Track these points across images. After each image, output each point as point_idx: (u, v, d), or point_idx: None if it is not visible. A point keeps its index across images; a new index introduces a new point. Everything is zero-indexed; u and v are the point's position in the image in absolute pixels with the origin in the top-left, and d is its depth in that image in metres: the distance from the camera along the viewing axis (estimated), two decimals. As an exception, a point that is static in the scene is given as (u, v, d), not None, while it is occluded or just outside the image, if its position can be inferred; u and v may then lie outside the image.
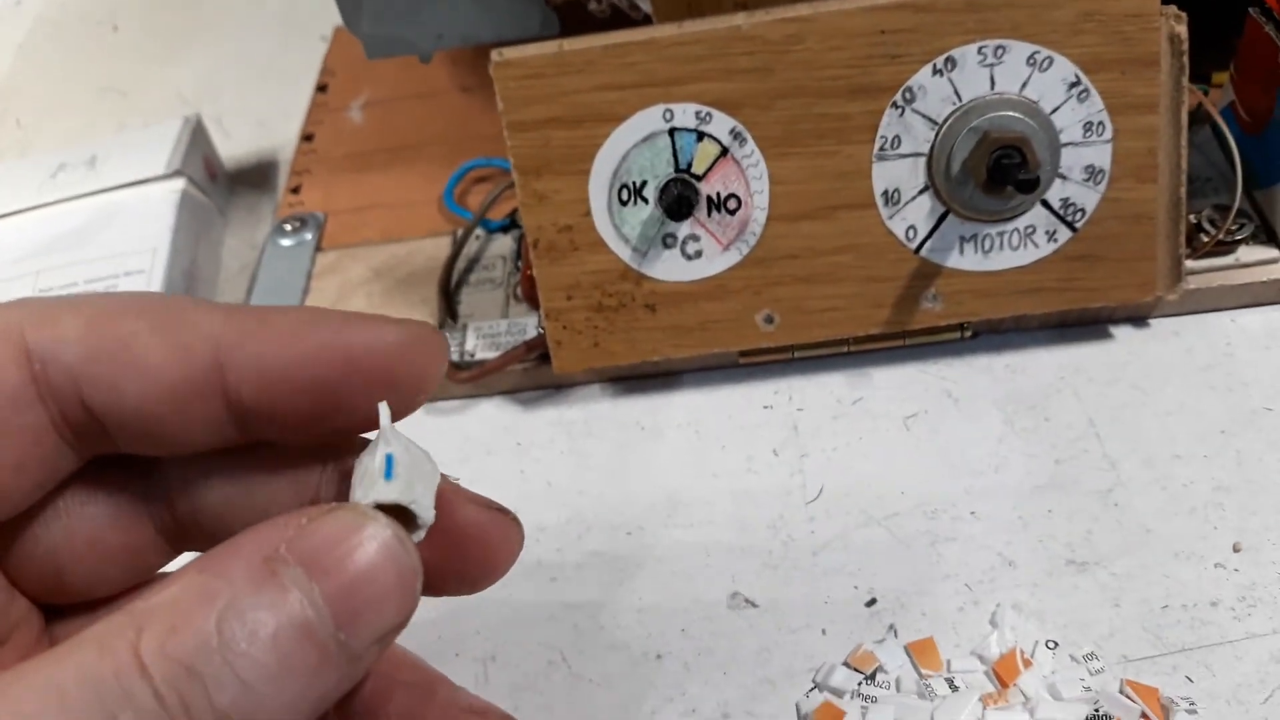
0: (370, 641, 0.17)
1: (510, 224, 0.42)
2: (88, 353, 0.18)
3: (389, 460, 0.19)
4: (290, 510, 0.18)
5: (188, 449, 0.20)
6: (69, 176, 0.46)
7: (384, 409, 0.19)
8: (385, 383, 0.19)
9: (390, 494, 0.18)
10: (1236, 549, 0.31)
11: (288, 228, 0.44)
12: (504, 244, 0.42)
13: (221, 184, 0.49)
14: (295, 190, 0.47)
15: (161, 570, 0.22)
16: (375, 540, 0.17)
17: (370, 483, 0.19)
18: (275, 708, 0.16)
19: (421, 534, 0.19)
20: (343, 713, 0.21)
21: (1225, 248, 0.36)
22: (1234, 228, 0.36)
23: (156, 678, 0.15)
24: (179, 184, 0.45)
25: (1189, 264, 0.36)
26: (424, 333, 0.20)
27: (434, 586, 0.20)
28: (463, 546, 0.21)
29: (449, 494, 0.20)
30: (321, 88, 0.52)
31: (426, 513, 0.19)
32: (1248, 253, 0.36)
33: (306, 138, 0.49)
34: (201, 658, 0.16)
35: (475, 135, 0.47)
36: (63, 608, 0.21)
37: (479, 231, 0.42)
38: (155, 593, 0.16)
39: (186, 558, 0.21)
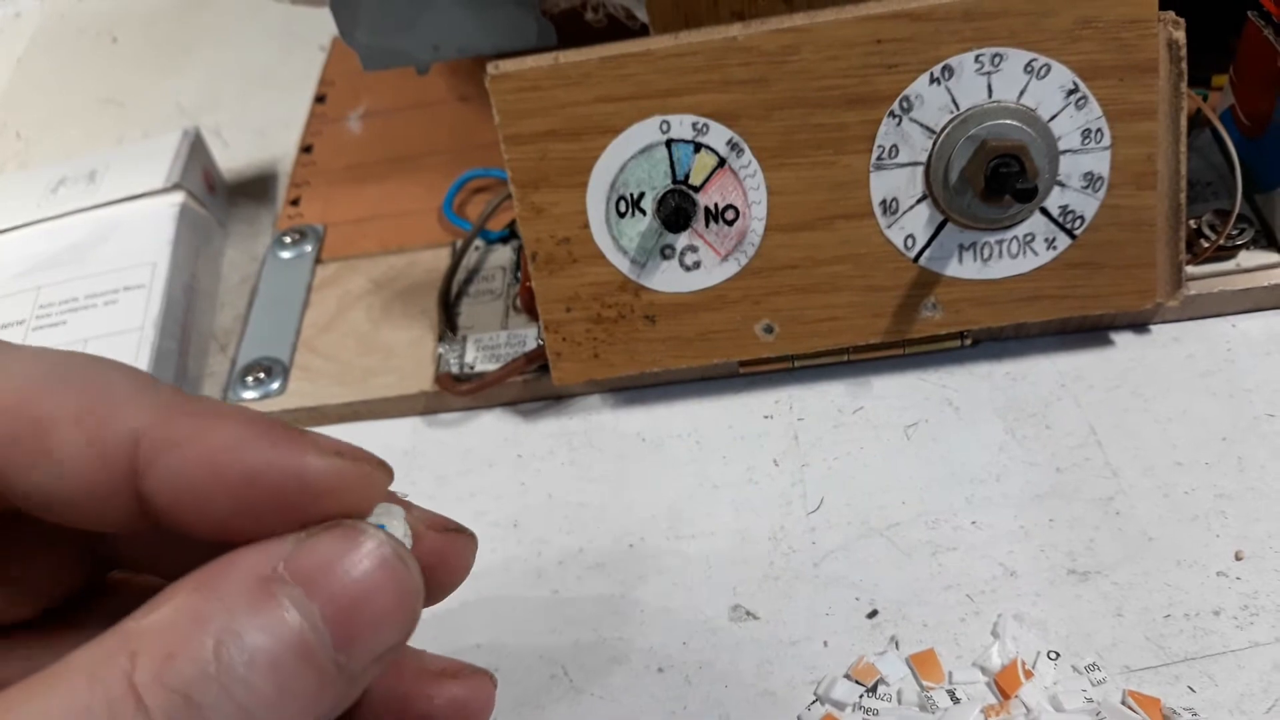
0: (369, 661, 0.17)
1: (510, 234, 0.42)
2: (2, 433, 0.17)
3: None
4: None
5: (104, 529, 0.18)
6: (69, 191, 0.46)
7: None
8: (304, 515, 0.18)
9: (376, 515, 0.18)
10: (1239, 557, 0.31)
11: (287, 240, 0.44)
12: (503, 254, 0.42)
13: (221, 196, 0.49)
14: (294, 202, 0.47)
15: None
16: (374, 556, 0.17)
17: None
18: None
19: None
20: None
21: (1226, 253, 0.36)
22: (1234, 232, 0.36)
23: (153, 708, 0.15)
24: (178, 197, 0.45)
25: (1190, 269, 0.36)
26: (355, 472, 0.18)
27: None
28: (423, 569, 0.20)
29: (411, 522, 0.20)
30: (320, 98, 0.52)
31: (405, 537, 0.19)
32: (1249, 257, 0.36)
33: (305, 149, 0.49)
34: (199, 686, 0.15)
35: (474, 145, 0.47)
36: None
37: (478, 242, 0.42)
38: (146, 613, 0.16)
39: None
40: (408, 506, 0.20)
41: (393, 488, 0.20)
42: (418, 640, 0.20)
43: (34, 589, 0.20)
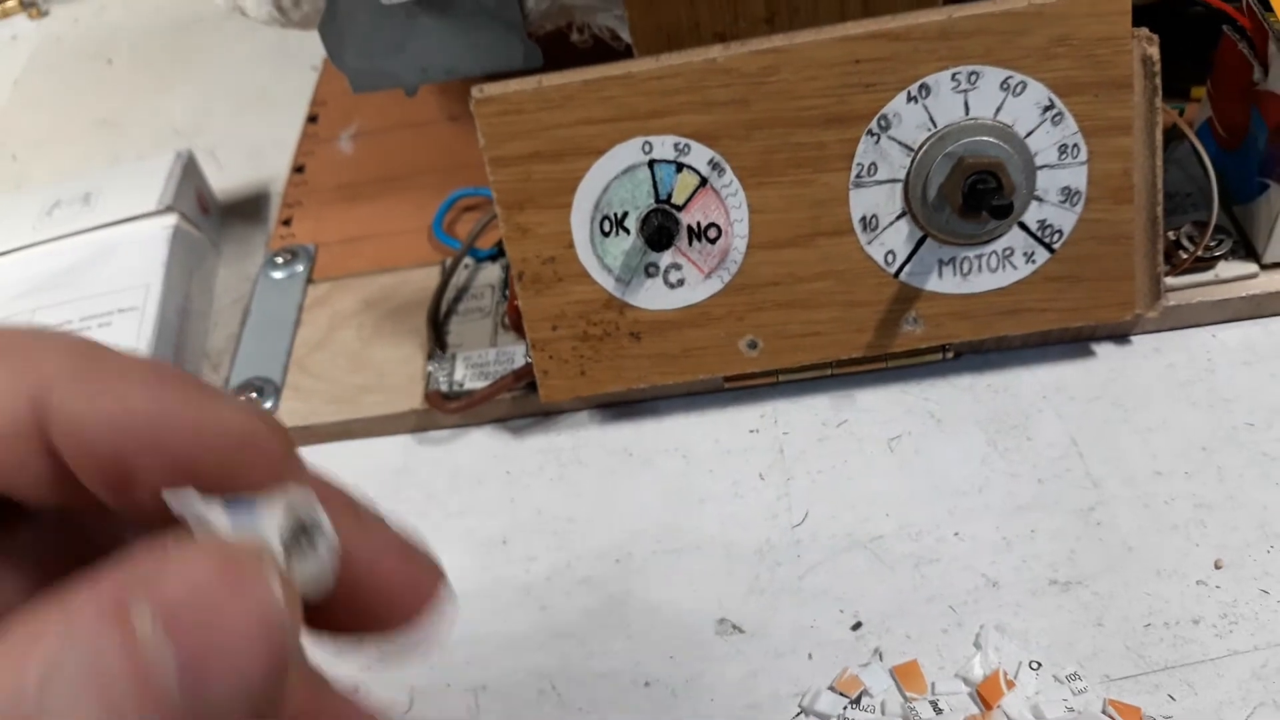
0: (231, 700, 0.15)
1: (498, 253, 0.43)
2: None
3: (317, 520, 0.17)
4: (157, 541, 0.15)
5: (25, 494, 0.17)
6: (64, 213, 0.47)
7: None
8: (182, 469, 0.17)
9: (257, 524, 0.16)
10: (1218, 566, 0.31)
11: (279, 260, 0.45)
12: (492, 272, 0.42)
13: (214, 217, 0.50)
14: (286, 222, 0.47)
15: None
16: (229, 573, 0.15)
17: (199, 520, 0.16)
18: None
19: (323, 580, 0.17)
20: None
21: (1204, 264, 0.37)
22: (1212, 244, 0.36)
23: None
24: (171, 219, 0.45)
25: (1169, 281, 0.36)
26: (246, 427, 0.17)
27: (333, 626, 0.18)
28: (367, 596, 0.18)
29: (346, 535, 0.18)
30: (312, 118, 0.53)
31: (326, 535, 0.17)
32: (1227, 268, 0.37)
33: (297, 169, 0.50)
34: (11, 714, 0.13)
35: (464, 164, 0.47)
36: None
37: (468, 260, 0.43)
38: None
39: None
40: (347, 502, 0.18)
41: (385, 505, 0.19)
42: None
43: None
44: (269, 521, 0.16)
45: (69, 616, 0.14)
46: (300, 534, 0.16)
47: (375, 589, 0.18)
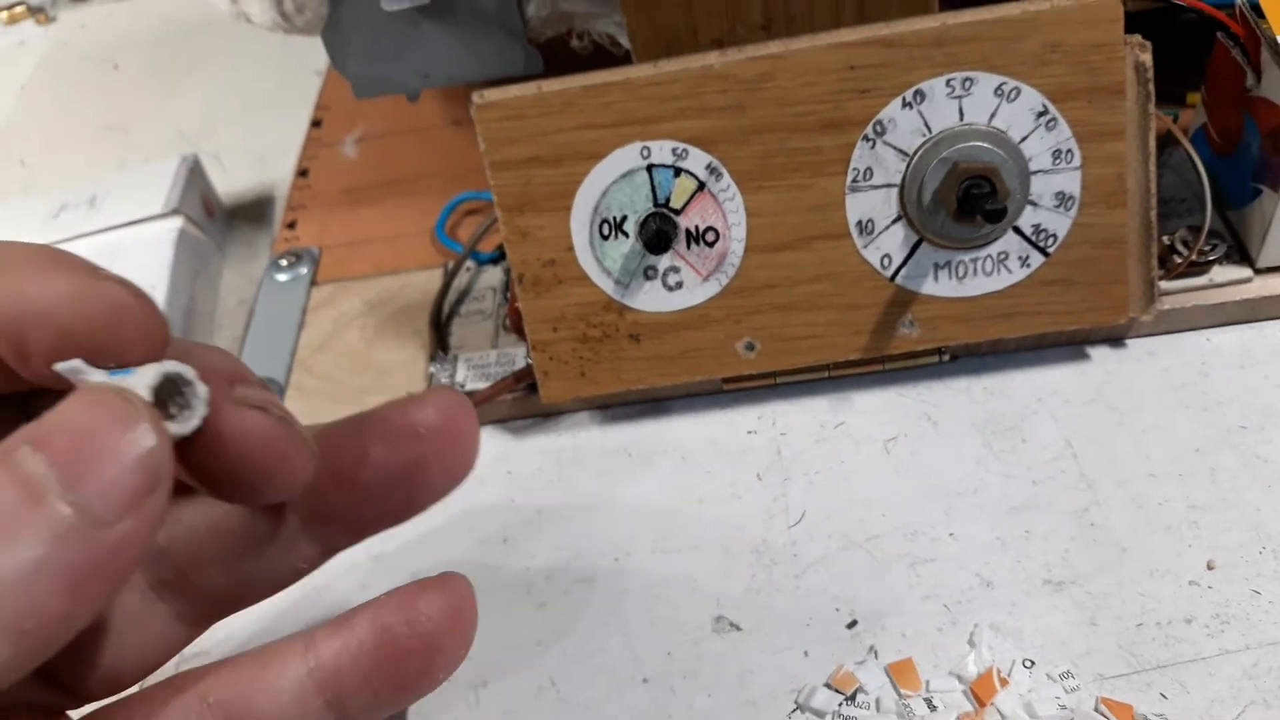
0: (117, 508, 0.17)
1: (500, 256, 0.43)
2: None
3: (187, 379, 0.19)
4: None
5: None
6: (70, 216, 0.47)
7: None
8: (76, 340, 0.18)
9: (128, 380, 0.19)
10: (1211, 567, 0.32)
11: (283, 263, 0.45)
12: (494, 275, 0.43)
13: (219, 220, 0.51)
14: (291, 225, 0.48)
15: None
16: (90, 401, 0.17)
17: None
18: (12, 577, 0.16)
19: (191, 420, 0.19)
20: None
21: (1199, 268, 0.37)
22: (1207, 248, 0.37)
23: None
24: (176, 222, 0.46)
25: (1163, 285, 0.36)
26: (120, 299, 0.19)
27: (223, 492, 0.20)
28: (228, 446, 0.20)
29: (215, 394, 0.20)
30: (316, 123, 0.53)
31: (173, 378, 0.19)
32: (1221, 273, 0.37)
33: (302, 173, 0.51)
34: None
35: (467, 168, 0.48)
36: None
37: (469, 263, 0.43)
38: None
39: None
40: (237, 380, 0.20)
41: None
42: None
43: None
44: (140, 378, 0.18)
45: None
46: (170, 385, 0.19)
47: (235, 439, 0.20)
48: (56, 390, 0.19)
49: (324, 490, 0.23)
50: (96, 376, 0.18)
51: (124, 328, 0.19)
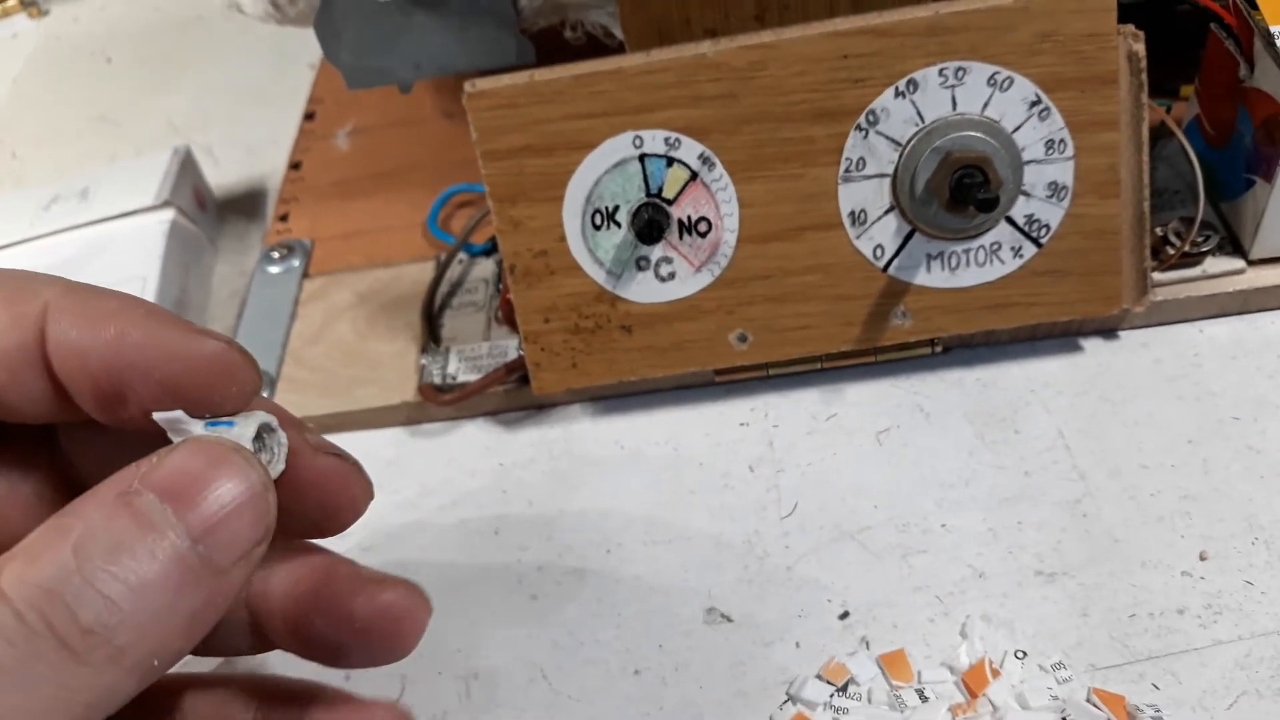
0: (234, 557, 0.18)
1: (492, 248, 0.43)
2: None
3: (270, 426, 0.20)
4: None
5: (23, 415, 0.20)
6: (62, 208, 0.47)
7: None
8: (168, 388, 0.20)
9: (230, 432, 0.20)
10: (1203, 557, 0.31)
11: (275, 255, 0.45)
12: (486, 267, 0.43)
13: (211, 213, 0.50)
14: (283, 218, 0.48)
15: None
16: (223, 460, 0.18)
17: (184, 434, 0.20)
18: (142, 620, 0.17)
19: (278, 465, 0.20)
20: (259, 616, 0.22)
21: (1191, 259, 0.37)
22: (1199, 239, 0.37)
23: (16, 600, 0.16)
24: (168, 214, 0.45)
25: (1156, 276, 0.36)
26: (219, 353, 0.20)
27: (286, 533, 0.21)
28: (304, 488, 0.21)
29: (293, 440, 0.21)
30: (309, 116, 0.53)
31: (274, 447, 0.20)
32: (1214, 264, 0.37)
33: (294, 165, 0.50)
34: (59, 580, 0.16)
35: (459, 160, 0.47)
36: None
37: (461, 256, 0.43)
38: (19, 545, 0.17)
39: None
40: (299, 425, 0.21)
41: (378, 497, 0.21)
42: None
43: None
44: (242, 430, 0.20)
45: (85, 511, 0.17)
46: (262, 436, 0.20)
47: (313, 481, 0.21)
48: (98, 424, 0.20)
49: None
50: (196, 428, 0.19)
51: (227, 383, 0.20)
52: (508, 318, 0.39)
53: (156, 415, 0.19)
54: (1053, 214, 0.34)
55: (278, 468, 0.20)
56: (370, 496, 0.23)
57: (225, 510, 0.18)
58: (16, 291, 0.20)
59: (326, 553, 0.23)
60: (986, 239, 0.34)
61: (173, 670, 0.19)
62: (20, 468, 0.22)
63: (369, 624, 0.21)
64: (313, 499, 0.21)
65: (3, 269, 0.20)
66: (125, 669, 0.17)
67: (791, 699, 0.30)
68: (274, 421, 0.20)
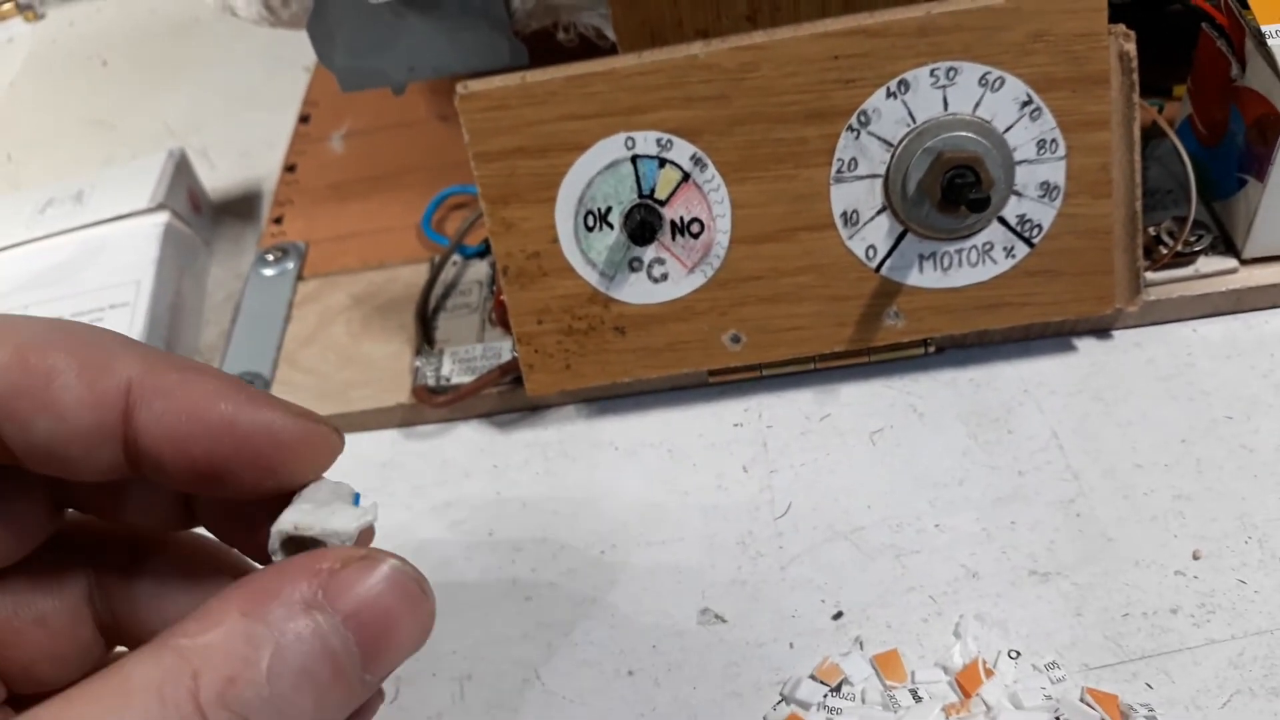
0: (387, 674, 0.19)
1: (486, 249, 0.43)
2: (9, 387, 0.19)
3: (356, 496, 0.21)
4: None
5: (81, 477, 0.20)
6: (56, 211, 0.47)
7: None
8: (268, 469, 0.20)
9: (349, 522, 0.20)
10: (1196, 556, 0.31)
11: (270, 258, 0.45)
12: (480, 269, 0.43)
13: (206, 215, 0.50)
14: (278, 220, 0.48)
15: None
16: (399, 586, 0.19)
17: (332, 511, 0.20)
18: None
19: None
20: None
21: (1184, 259, 0.37)
22: (1192, 239, 0.37)
23: None
24: (163, 217, 0.46)
25: (1149, 275, 0.36)
26: (318, 431, 0.20)
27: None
28: (284, 453, 0.21)
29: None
30: (304, 118, 0.53)
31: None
32: (1207, 263, 0.37)
33: (289, 168, 0.50)
34: (255, 707, 0.17)
35: (453, 163, 0.47)
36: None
37: (456, 257, 0.43)
38: (200, 630, 0.17)
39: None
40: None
41: (369, 498, 0.21)
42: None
43: (17, 536, 0.22)
44: (365, 511, 0.20)
45: (276, 620, 0.18)
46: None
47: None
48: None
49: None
50: (342, 503, 0.20)
51: (321, 459, 0.21)
52: (501, 320, 0.39)
53: (325, 479, 0.21)
54: (1045, 214, 0.34)
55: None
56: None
57: (396, 639, 0.19)
58: (91, 362, 0.19)
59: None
60: (979, 239, 0.34)
61: None
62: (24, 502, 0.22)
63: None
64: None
65: (67, 325, 0.20)
66: None
67: (785, 699, 0.30)
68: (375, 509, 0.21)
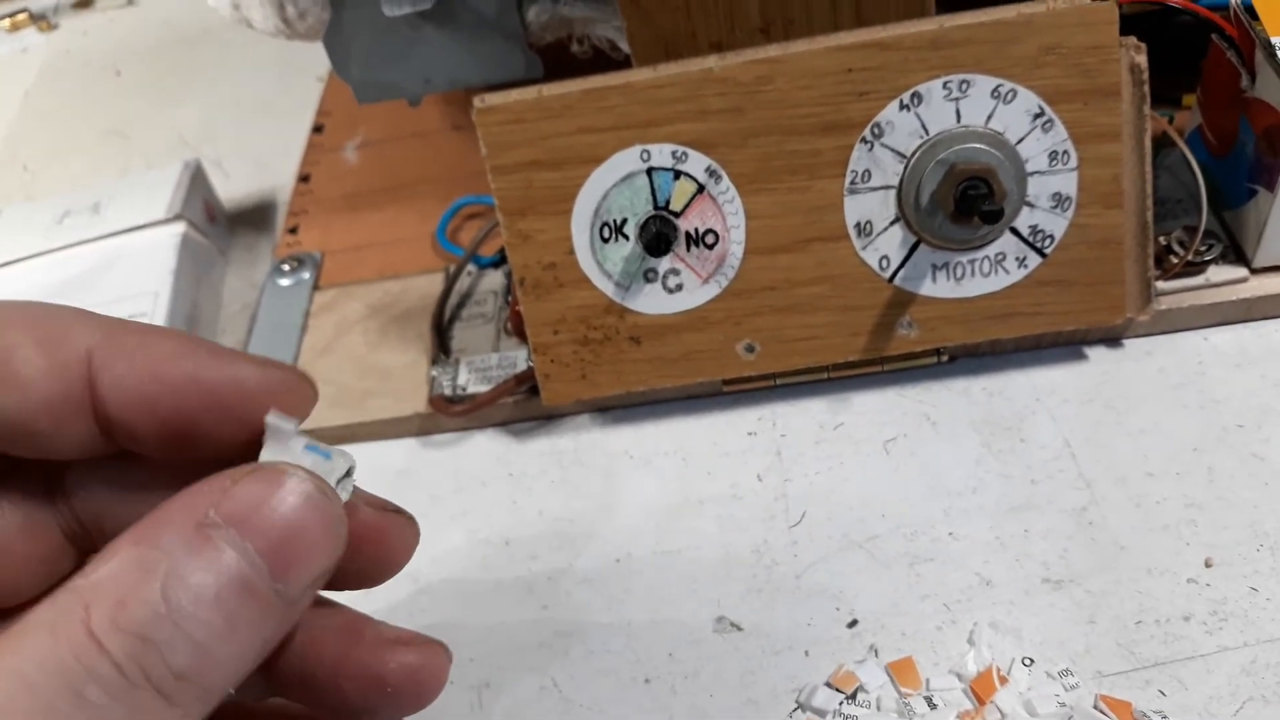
0: (305, 586, 0.19)
1: (501, 259, 0.43)
2: None
3: (310, 446, 0.20)
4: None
5: (63, 455, 0.20)
6: (74, 222, 0.47)
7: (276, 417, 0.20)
8: (240, 421, 0.20)
9: (305, 459, 0.20)
10: (1208, 564, 0.32)
11: (286, 268, 0.46)
12: (495, 279, 0.43)
13: (221, 225, 0.51)
14: (293, 230, 0.48)
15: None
16: (298, 493, 0.18)
17: (284, 446, 0.20)
18: (227, 660, 0.17)
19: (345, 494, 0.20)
20: (272, 668, 0.21)
21: (1195, 268, 0.37)
22: (1203, 248, 0.37)
23: (114, 651, 0.16)
24: (179, 228, 0.46)
25: (1160, 285, 0.37)
26: (286, 378, 0.20)
27: (334, 583, 0.21)
28: (360, 544, 0.21)
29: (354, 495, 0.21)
30: (318, 128, 0.54)
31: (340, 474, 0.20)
32: (1217, 272, 0.37)
33: (303, 178, 0.51)
34: (153, 626, 0.17)
35: (467, 173, 0.48)
36: None
37: (471, 267, 0.44)
38: (94, 569, 0.17)
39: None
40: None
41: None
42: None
43: (28, 570, 0.22)
44: (334, 465, 0.20)
45: (165, 543, 0.17)
46: (350, 473, 0.20)
47: (368, 537, 0.22)
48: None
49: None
50: (298, 447, 0.20)
51: (294, 406, 0.20)
52: (517, 329, 0.40)
53: (269, 419, 0.20)
54: (1057, 224, 0.34)
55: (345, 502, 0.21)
56: (416, 543, 0.23)
57: (310, 557, 0.18)
58: (48, 335, 0.19)
59: (344, 609, 0.23)
60: (991, 249, 0.34)
61: None
62: (26, 497, 0.22)
63: (400, 687, 0.21)
64: (366, 553, 0.22)
65: (21, 303, 0.20)
66: (209, 703, 0.17)
67: (801, 707, 0.30)
68: (354, 464, 0.21)
